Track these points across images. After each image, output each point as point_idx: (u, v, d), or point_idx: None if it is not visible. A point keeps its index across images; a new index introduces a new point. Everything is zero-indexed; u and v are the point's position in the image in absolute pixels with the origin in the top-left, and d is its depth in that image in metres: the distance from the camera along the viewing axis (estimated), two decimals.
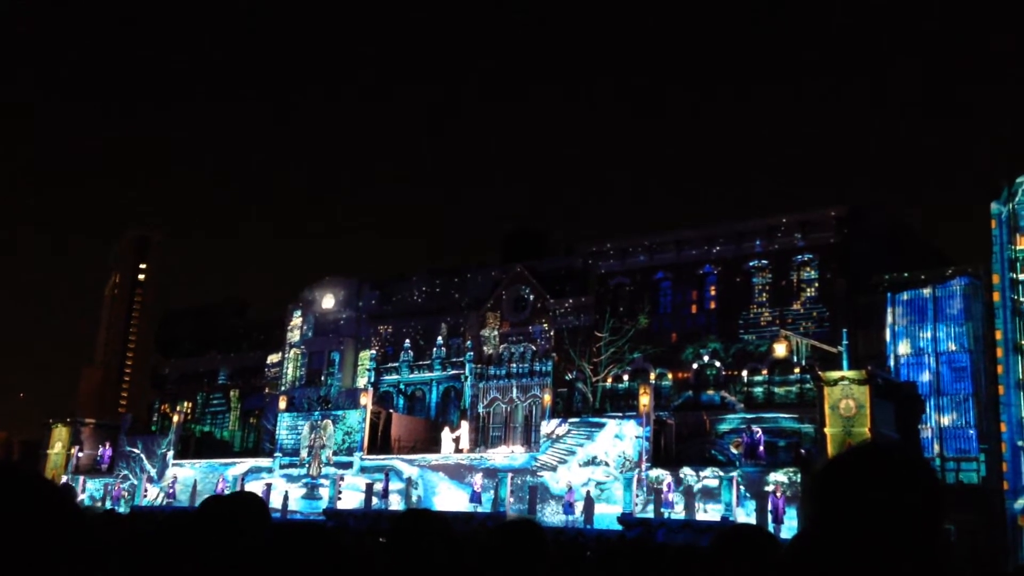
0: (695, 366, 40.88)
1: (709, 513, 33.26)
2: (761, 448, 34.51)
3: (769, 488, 32.38)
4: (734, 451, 36.06)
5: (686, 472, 34.50)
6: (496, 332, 47.85)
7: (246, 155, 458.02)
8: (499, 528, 3.30)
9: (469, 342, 48.13)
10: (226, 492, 47.69)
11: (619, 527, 33.65)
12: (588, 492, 36.06)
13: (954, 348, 35.45)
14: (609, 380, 42.57)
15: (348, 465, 44.02)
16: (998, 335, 33.92)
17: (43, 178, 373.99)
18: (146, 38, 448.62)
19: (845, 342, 34.16)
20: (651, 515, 34.21)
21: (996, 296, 34.33)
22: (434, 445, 42.91)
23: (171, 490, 48.31)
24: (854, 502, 1.85)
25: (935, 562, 1.83)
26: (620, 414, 38.05)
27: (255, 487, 46.46)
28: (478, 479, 38.93)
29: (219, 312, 69.55)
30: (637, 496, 34.95)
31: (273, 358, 58.06)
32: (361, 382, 51.57)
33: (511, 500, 37.87)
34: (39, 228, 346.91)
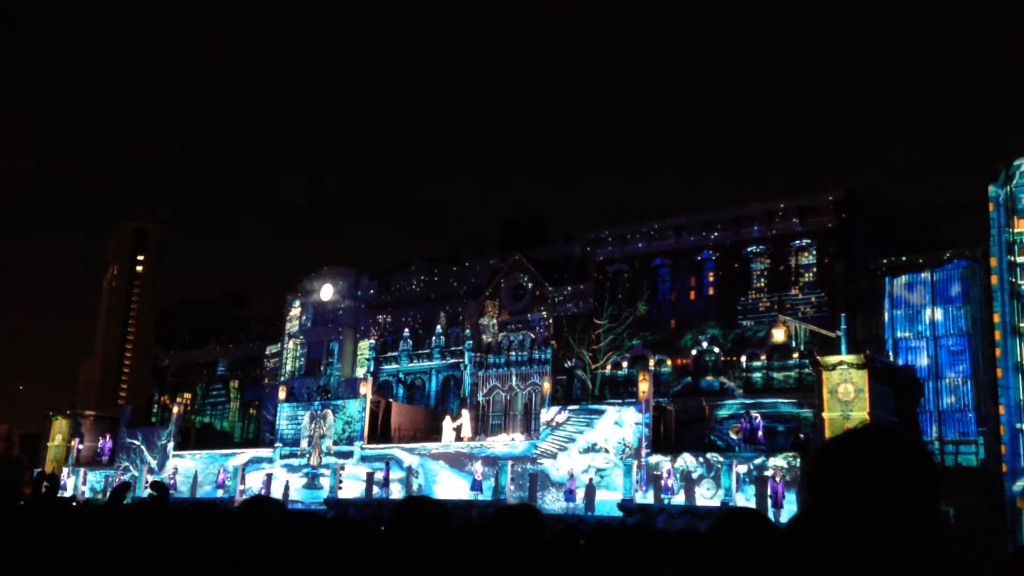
0: (694, 352, 40.94)
1: (708, 498, 33.39)
2: (760, 433, 34.61)
3: (768, 473, 32.49)
4: (733, 436, 36.16)
5: (686, 458, 34.60)
6: (495, 320, 47.89)
7: (244, 150, 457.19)
8: (497, 512, 3.32)
9: (468, 331, 48.17)
10: (227, 483, 47.61)
11: (619, 513, 33.77)
12: (590, 479, 36.17)
13: (952, 331, 35.50)
14: (608, 367, 42.63)
15: (348, 455, 44.13)
16: (996, 318, 33.97)
17: (42, 171, 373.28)
18: (140, 36, 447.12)
19: (843, 326, 34.23)
20: (651, 501, 34.34)
21: (994, 279, 34.36)
22: (434, 434, 43.01)
23: (172, 481, 48.38)
24: (850, 483, 1.85)
25: (933, 543, 1.83)
26: (619, 401, 38.13)
27: (256, 477, 46.62)
28: (478, 467, 39.03)
29: (218, 303, 69.56)
30: (637, 482, 35.06)
31: (272, 349, 58.12)
32: (361, 372, 51.64)
33: (512, 488, 37.99)
34: (37, 221, 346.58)
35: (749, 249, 40.89)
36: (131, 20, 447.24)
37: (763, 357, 38.99)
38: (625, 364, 42.31)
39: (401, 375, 50.60)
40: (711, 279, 42.07)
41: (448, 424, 42.22)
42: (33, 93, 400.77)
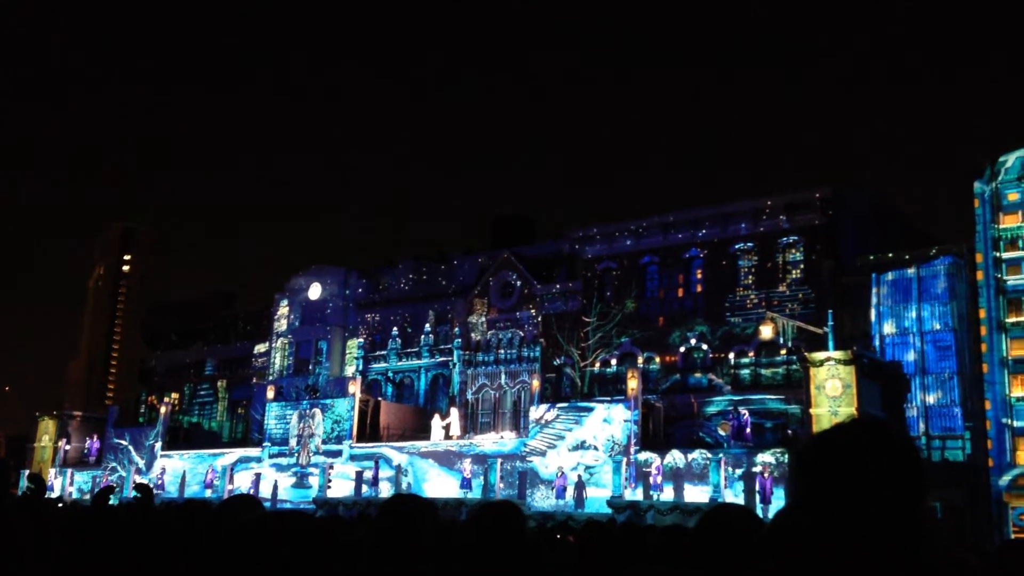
0: (682, 349, 41.02)
1: (697, 495, 33.47)
2: (748, 429, 34.71)
3: (757, 469, 32.60)
4: (722, 433, 36.26)
5: (674, 455, 34.68)
6: (484, 319, 47.86)
7: (232, 147, 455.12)
8: (477, 509, 3.32)
9: (457, 329, 48.12)
10: (215, 482, 47.42)
11: (609, 510, 33.83)
12: (579, 476, 36.21)
13: (938, 327, 35.68)
14: (597, 365, 42.67)
15: (337, 453, 44.03)
16: (982, 314, 34.18)
17: (28, 170, 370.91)
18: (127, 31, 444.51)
19: (831, 323, 34.34)
20: (640, 498, 34.40)
21: (980, 275, 34.56)
22: (423, 432, 42.95)
23: (160, 481, 48.20)
24: (838, 477, 1.85)
25: (919, 536, 1.83)
26: (608, 398, 38.16)
27: (244, 477, 46.46)
28: (468, 465, 39.01)
29: (205, 303, 69.26)
30: (626, 479, 35.12)
31: (260, 348, 57.89)
32: (349, 370, 51.51)
33: (501, 486, 37.98)
34: (25, 222, 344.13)
35: (737, 246, 41.00)
36: (119, 18, 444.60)
37: (751, 354, 39.10)
38: (614, 361, 42.36)
39: (390, 374, 50.50)
40: (699, 276, 42.15)
41: (437, 422, 42.17)
42: (24, 88, 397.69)
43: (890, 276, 36.98)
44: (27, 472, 51.87)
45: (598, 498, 35.25)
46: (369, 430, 44.49)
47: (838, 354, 32.81)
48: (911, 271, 36.56)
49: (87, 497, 49.27)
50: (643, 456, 35.18)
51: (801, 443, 31.87)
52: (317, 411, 45.47)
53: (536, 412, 38.80)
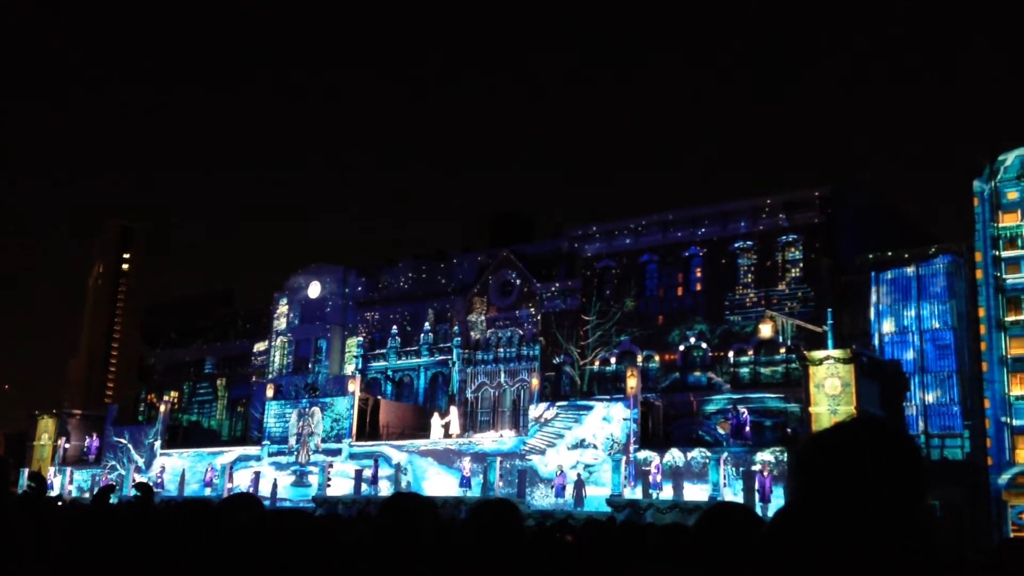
0: (682, 348, 41.03)
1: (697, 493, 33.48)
2: (747, 428, 34.72)
3: (756, 467, 32.61)
4: (721, 431, 36.27)
5: (674, 453, 34.69)
6: (483, 317, 47.85)
7: (232, 147, 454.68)
8: (473, 507, 3.32)
9: (456, 327, 48.12)
10: (215, 481, 47.41)
11: (608, 509, 33.83)
12: (579, 475, 36.22)
13: (938, 326, 35.70)
14: (596, 363, 42.67)
15: (337, 452, 44.04)
16: (981, 312, 34.19)
17: (28, 170, 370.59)
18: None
19: (830, 321, 34.35)
20: (640, 496, 34.42)
21: (979, 274, 34.57)
22: (422, 431, 42.96)
23: (159, 480, 48.21)
24: (838, 476, 1.85)
25: (918, 535, 1.84)
26: (608, 397, 38.16)
27: (244, 475, 46.46)
28: (467, 464, 39.01)
29: (205, 301, 69.21)
30: (625, 478, 35.13)
31: (260, 346, 57.89)
32: (348, 369, 51.52)
33: (500, 484, 37.99)
34: (22, 220, 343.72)
35: (736, 245, 41.00)
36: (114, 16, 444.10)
37: (750, 352, 39.11)
38: (613, 360, 42.37)
39: (389, 372, 50.51)
40: (698, 275, 42.16)
41: (437, 421, 42.18)
42: (18, 86, 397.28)
43: (889, 275, 36.99)
44: (27, 471, 52.02)
45: (597, 497, 35.25)
46: (368, 428, 44.50)
47: (837, 353, 32.81)
48: (910, 270, 36.57)
49: (86, 495, 49.24)
50: (642, 455, 35.19)
51: (800, 442, 31.87)
52: (316, 409, 45.47)
53: (535, 411, 38.80)
